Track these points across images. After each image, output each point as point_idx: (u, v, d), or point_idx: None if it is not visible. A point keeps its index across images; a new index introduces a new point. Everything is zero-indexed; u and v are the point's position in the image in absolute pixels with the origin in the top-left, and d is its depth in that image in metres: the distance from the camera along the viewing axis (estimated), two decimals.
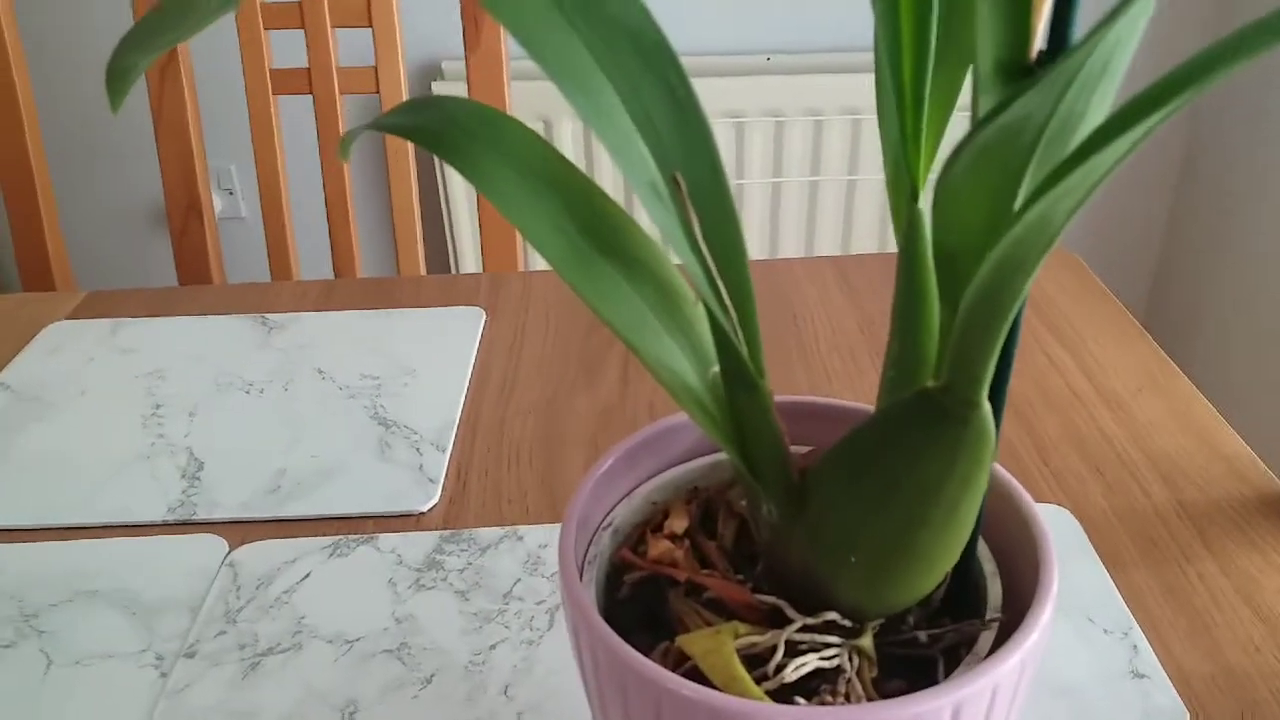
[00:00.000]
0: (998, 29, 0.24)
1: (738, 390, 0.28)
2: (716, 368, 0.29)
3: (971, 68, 0.25)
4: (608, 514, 0.35)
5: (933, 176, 0.29)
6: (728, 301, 0.26)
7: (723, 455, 0.37)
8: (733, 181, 1.58)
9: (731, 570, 0.32)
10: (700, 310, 0.29)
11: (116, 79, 0.25)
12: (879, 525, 0.27)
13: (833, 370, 0.67)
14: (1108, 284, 0.79)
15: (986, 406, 0.25)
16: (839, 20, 1.59)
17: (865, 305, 0.75)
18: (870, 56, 1.58)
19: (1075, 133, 0.22)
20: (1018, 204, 0.23)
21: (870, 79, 1.52)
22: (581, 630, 0.29)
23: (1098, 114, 0.22)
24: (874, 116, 1.55)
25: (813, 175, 1.58)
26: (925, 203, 0.30)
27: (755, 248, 1.64)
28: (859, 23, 1.59)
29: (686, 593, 0.32)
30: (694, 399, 0.28)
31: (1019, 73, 0.24)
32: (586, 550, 0.34)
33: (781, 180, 1.58)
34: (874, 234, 1.63)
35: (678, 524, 0.34)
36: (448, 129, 0.28)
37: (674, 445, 0.37)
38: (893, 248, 1.66)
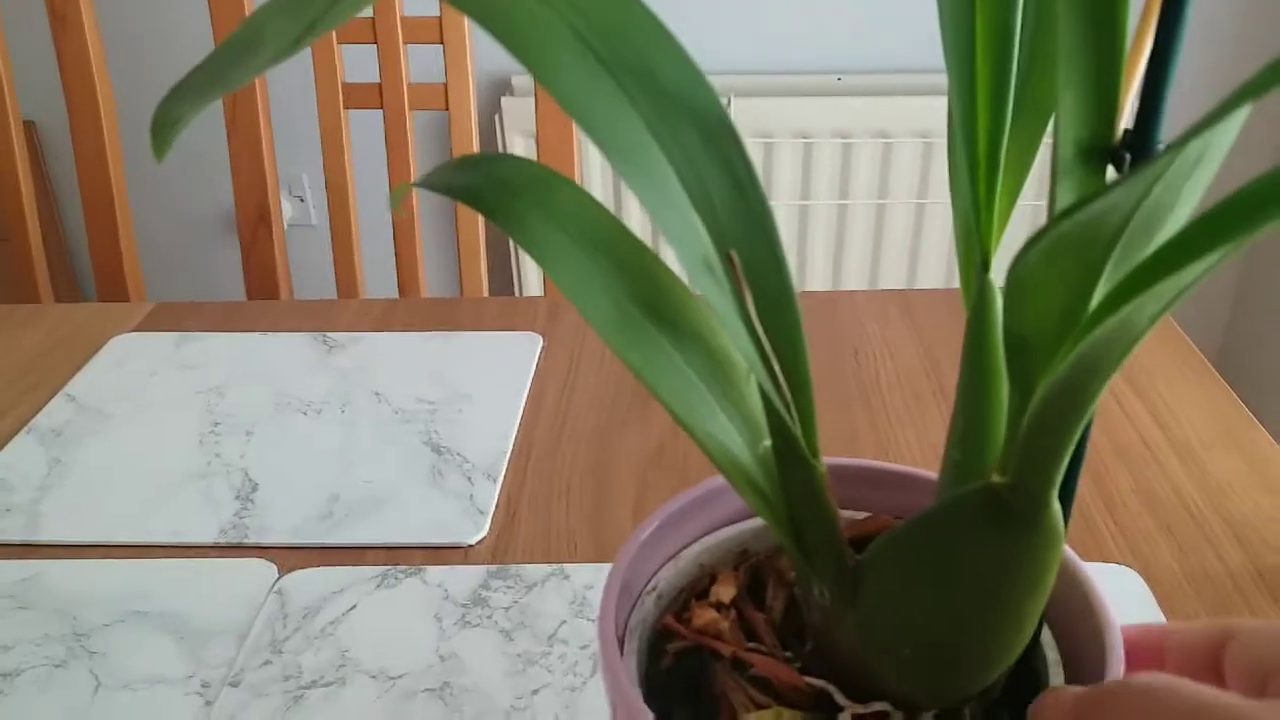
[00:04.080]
0: (1082, 108, 0.22)
1: (790, 469, 0.27)
2: (769, 442, 0.28)
3: (1051, 144, 0.24)
4: (652, 576, 0.34)
5: (1005, 250, 0.28)
6: (782, 381, 0.25)
7: None
8: (798, 202, 1.56)
9: (779, 646, 0.31)
10: (753, 383, 0.28)
11: (163, 129, 0.24)
12: (936, 621, 0.26)
13: (894, 411, 0.65)
14: (1177, 324, 0.76)
15: (1056, 506, 0.23)
16: (911, 41, 1.56)
17: (930, 343, 0.73)
18: (942, 80, 1.55)
19: (1162, 225, 0.21)
20: (1096, 297, 0.22)
21: (942, 102, 1.49)
22: (620, 709, 0.28)
23: (1186, 206, 0.21)
24: (945, 140, 1.52)
25: (880, 199, 1.55)
26: (996, 272, 0.29)
27: (818, 273, 1.62)
28: (932, 45, 1.56)
29: (732, 666, 0.31)
30: (744, 476, 0.27)
31: (1103, 155, 0.22)
32: (629, 615, 0.33)
33: (848, 203, 1.56)
34: (941, 262, 1.60)
35: (724, 592, 0.33)
36: (496, 189, 0.27)
37: (724, 505, 0.36)
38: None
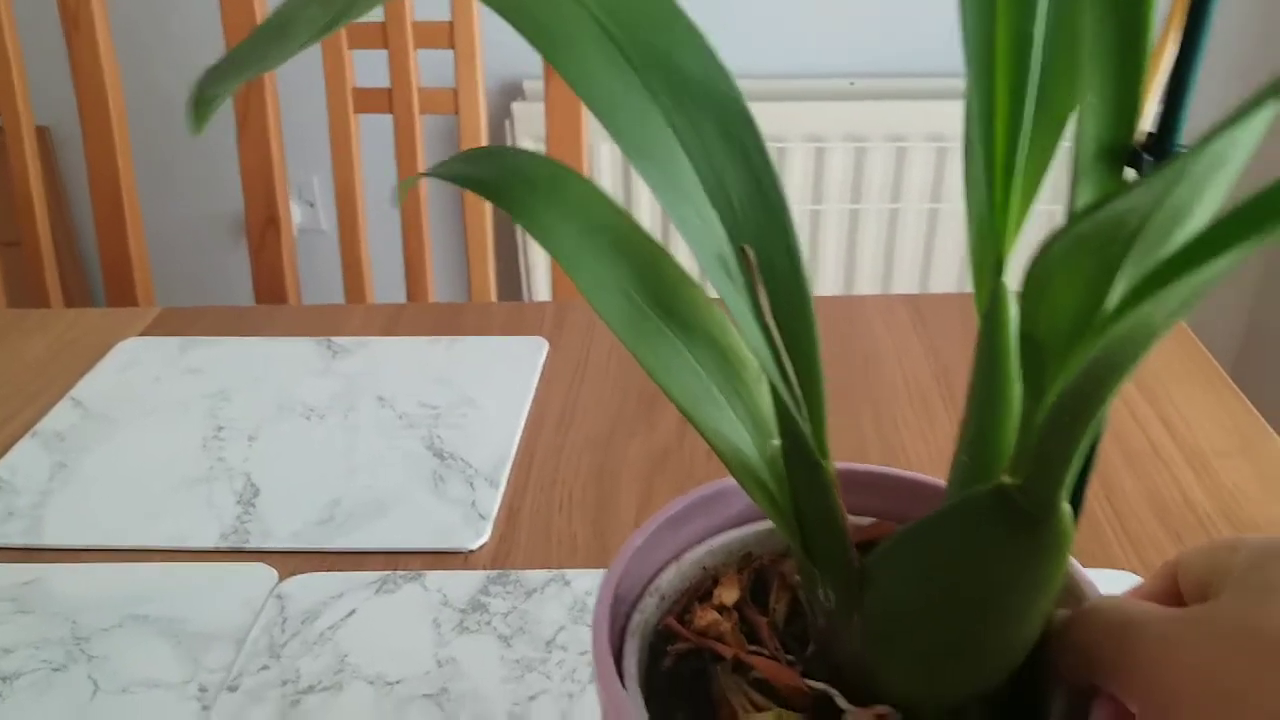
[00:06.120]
0: (1104, 109, 0.22)
1: (799, 468, 0.26)
2: (777, 441, 0.27)
3: (1072, 144, 0.23)
4: (654, 577, 0.33)
5: (1019, 254, 0.27)
6: (793, 379, 0.24)
7: None
8: (810, 207, 1.55)
9: (781, 649, 0.30)
10: (764, 381, 0.28)
11: (201, 106, 0.24)
12: (941, 624, 0.25)
13: (903, 419, 0.65)
14: (1193, 331, 0.75)
15: (1066, 509, 0.23)
16: (924, 45, 1.55)
17: (941, 350, 0.72)
18: (956, 83, 1.54)
19: (1182, 225, 0.20)
20: (1114, 297, 0.21)
21: (956, 106, 1.49)
22: (610, 712, 0.27)
23: (1208, 208, 0.20)
24: (959, 144, 1.51)
25: (893, 203, 1.55)
26: (1010, 276, 0.28)
27: (830, 277, 1.62)
28: (945, 48, 1.56)
29: (734, 668, 0.30)
30: (751, 475, 0.27)
31: (1123, 156, 0.22)
32: (630, 614, 0.32)
33: (860, 207, 1.55)
34: (954, 267, 1.59)
35: (727, 595, 0.32)
36: (511, 182, 0.27)
37: (727, 507, 0.35)
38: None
